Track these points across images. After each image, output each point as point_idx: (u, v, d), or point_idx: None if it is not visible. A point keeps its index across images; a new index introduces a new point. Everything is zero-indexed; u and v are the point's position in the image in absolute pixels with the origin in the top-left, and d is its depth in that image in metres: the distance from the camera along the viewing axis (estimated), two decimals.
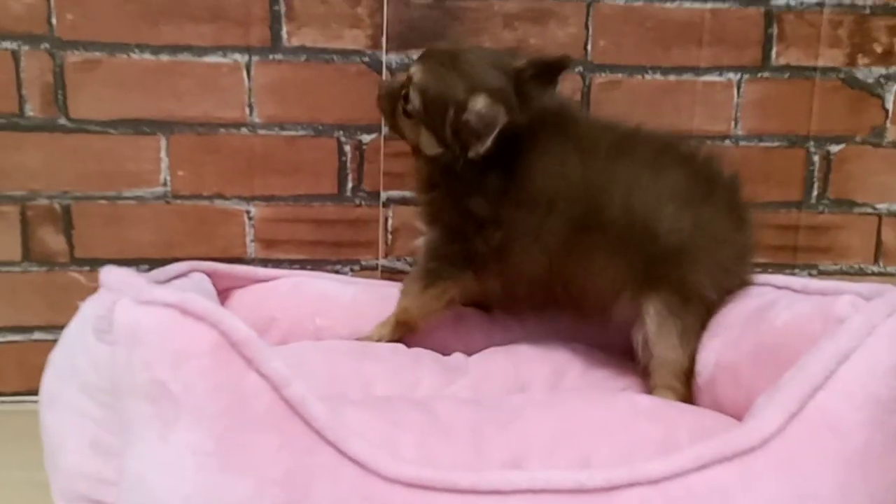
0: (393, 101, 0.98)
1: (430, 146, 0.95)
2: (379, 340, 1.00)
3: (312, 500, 0.56)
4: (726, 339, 0.85)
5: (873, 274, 1.25)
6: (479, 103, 0.88)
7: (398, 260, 1.20)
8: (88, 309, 0.65)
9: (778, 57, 1.18)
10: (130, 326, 0.58)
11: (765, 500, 0.58)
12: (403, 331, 1.00)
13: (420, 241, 1.00)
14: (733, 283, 0.91)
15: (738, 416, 0.74)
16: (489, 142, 0.87)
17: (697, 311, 0.89)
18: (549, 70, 0.95)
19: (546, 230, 0.91)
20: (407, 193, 1.18)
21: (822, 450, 0.59)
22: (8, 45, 1.07)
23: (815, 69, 1.19)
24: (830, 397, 0.61)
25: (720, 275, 0.90)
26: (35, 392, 0.69)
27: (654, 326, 0.88)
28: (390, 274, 1.20)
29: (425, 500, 0.57)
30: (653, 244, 0.88)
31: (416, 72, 0.94)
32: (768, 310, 0.82)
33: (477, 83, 0.90)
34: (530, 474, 0.58)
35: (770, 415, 0.61)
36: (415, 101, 0.94)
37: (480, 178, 0.92)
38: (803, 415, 0.60)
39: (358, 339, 1.00)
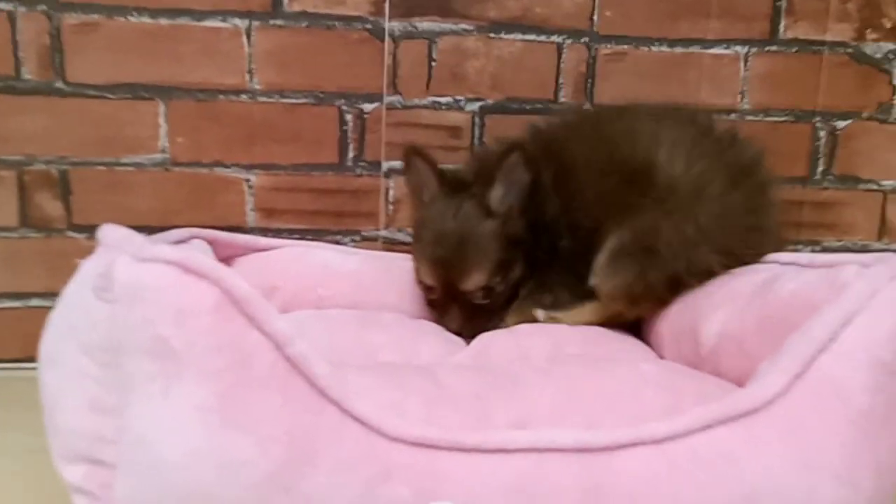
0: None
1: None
2: None
3: (315, 459, 0.55)
4: (731, 311, 0.84)
5: (877, 251, 1.24)
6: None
7: (399, 231, 1.19)
8: (88, 267, 0.63)
9: (786, 30, 1.17)
10: (131, 284, 0.57)
11: (768, 462, 0.57)
12: None
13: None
14: (727, 255, 0.91)
15: (742, 386, 0.73)
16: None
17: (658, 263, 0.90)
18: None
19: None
20: None
21: (826, 412, 0.59)
22: (4, 6, 1.06)
23: (823, 43, 1.18)
24: (834, 360, 0.60)
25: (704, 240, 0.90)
26: (33, 359, 0.68)
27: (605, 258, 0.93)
28: (391, 245, 1.19)
29: (429, 459, 0.57)
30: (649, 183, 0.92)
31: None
32: (774, 282, 0.81)
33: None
34: (535, 433, 0.57)
35: (774, 377, 0.60)
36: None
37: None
38: (807, 377, 0.60)
39: None
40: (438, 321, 0.99)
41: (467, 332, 0.96)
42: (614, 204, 0.94)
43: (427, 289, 0.99)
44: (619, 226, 0.93)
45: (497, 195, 0.96)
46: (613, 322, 0.96)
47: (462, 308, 0.97)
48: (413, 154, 0.99)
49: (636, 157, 0.94)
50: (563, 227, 0.98)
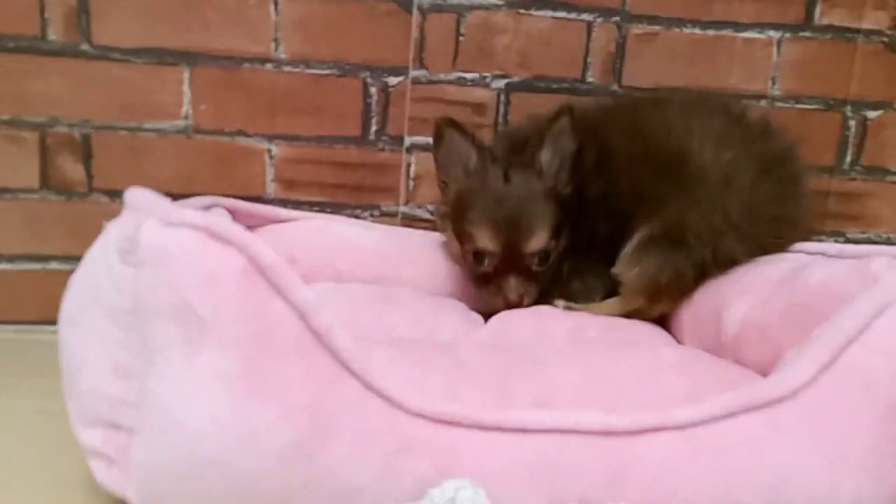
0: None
1: None
2: None
3: (336, 430, 0.55)
4: (755, 299, 0.83)
5: None
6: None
7: (419, 207, 1.18)
8: (113, 230, 0.63)
9: (821, 16, 1.15)
10: (157, 247, 0.57)
11: (793, 452, 0.56)
12: None
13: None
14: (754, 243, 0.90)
15: (764, 374, 0.73)
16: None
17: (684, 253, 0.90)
18: None
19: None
20: (431, 140, 1.15)
21: (853, 403, 0.58)
22: None
23: (858, 31, 1.16)
24: (863, 351, 0.60)
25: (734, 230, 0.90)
26: (52, 322, 0.68)
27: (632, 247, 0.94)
28: (410, 221, 1.18)
29: (450, 435, 0.56)
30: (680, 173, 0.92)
31: None
32: (801, 271, 0.80)
33: None
34: (559, 413, 0.57)
35: (801, 366, 0.59)
36: None
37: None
38: (835, 368, 0.59)
39: None
40: (488, 299, 0.96)
41: (527, 301, 0.95)
42: (647, 193, 0.93)
43: (482, 259, 0.95)
44: (649, 218, 0.93)
45: (546, 157, 0.95)
46: (635, 318, 0.96)
47: (520, 275, 0.95)
48: (447, 126, 0.96)
49: (669, 148, 0.94)
50: (602, 212, 0.97)
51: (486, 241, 0.94)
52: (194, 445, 0.55)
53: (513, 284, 0.94)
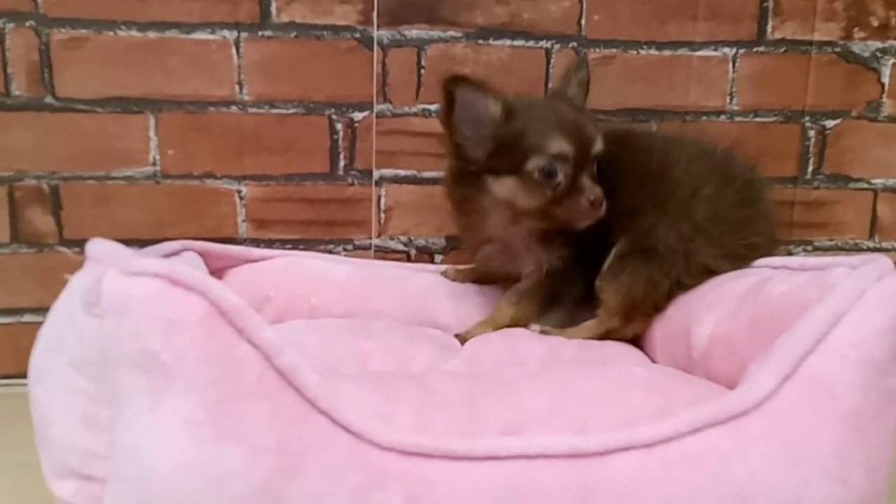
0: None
1: None
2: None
3: (305, 469, 0.55)
4: (722, 313, 0.84)
5: (868, 249, 1.25)
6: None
7: (391, 239, 1.19)
8: (76, 282, 0.63)
9: (773, 31, 1.17)
10: (119, 297, 0.57)
11: (759, 461, 0.57)
12: None
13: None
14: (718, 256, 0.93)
15: (733, 387, 0.73)
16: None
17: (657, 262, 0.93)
18: None
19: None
20: (400, 172, 1.17)
21: (816, 411, 0.59)
22: None
23: (810, 43, 1.18)
24: (823, 359, 0.61)
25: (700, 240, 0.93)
26: (26, 374, 0.68)
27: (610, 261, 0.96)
28: (383, 253, 1.19)
29: (420, 467, 0.57)
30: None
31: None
32: (765, 284, 0.81)
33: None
34: (525, 439, 0.57)
35: (763, 378, 0.60)
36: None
37: None
38: (796, 377, 0.60)
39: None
40: (571, 212, 0.93)
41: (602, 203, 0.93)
42: (627, 206, 0.95)
43: (554, 172, 0.92)
44: (626, 230, 0.96)
45: (573, 93, 1.00)
46: (610, 338, 0.97)
47: (591, 177, 0.94)
48: (456, 84, 0.91)
49: (651, 165, 0.98)
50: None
51: (561, 144, 0.91)
52: (164, 492, 0.55)
53: (591, 187, 0.92)
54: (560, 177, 0.92)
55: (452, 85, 0.91)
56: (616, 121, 1.17)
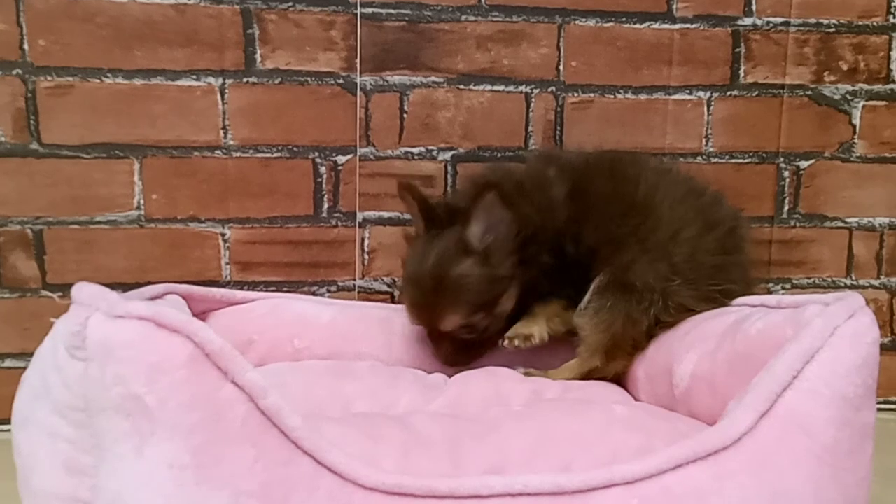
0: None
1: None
2: None
3: None
4: (702, 351, 0.86)
5: (845, 286, 1.27)
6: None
7: (375, 280, 1.20)
8: (61, 326, 0.63)
9: (746, 75, 1.21)
10: (104, 341, 0.57)
11: (738, 498, 0.58)
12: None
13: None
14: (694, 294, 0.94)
15: (714, 425, 0.74)
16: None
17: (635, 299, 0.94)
18: None
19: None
20: (383, 213, 1.18)
21: (792, 447, 0.60)
22: None
23: (782, 87, 1.22)
24: (798, 396, 0.62)
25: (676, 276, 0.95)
26: (7, 421, 0.68)
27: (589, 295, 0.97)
28: (367, 294, 1.20)
29: None
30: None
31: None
32: (743, 322, 0.83)
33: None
34: (508, 478, 0.58)
35: (741, 415, 0.61)
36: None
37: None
38: (772, 414, 0.61)
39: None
40: (434, 353, 1.01)
41: (460, 364, 0.98)
42: (609, 236, 0.98)
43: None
44: (607, 263, 0.97)
45: (476, 233, 0.95)
46: (592, 378, 0.98)
47: (450, 343, 0.99)
48: (403, 190, 1.00)
49: (636, 198, 1.00)
50: (570, 236, 0.99)
51: (410, 317, 1.00)
52: None
53: (442, 352, 1.00)
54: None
55: (402, 189, 1.01)
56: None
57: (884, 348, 1.20)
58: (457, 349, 0.99)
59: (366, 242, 1.19)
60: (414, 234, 1.03)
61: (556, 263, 0.99)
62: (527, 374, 0.99)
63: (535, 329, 0.98)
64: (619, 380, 1.00)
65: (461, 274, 0.95)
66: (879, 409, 0.65)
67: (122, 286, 1.09)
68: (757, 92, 1.21)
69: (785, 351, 0.63)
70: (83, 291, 0.63)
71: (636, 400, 0.95)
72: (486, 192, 0.93)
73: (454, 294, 0.96)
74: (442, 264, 0.96)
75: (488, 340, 1.00)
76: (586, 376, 0.98)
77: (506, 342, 0.97)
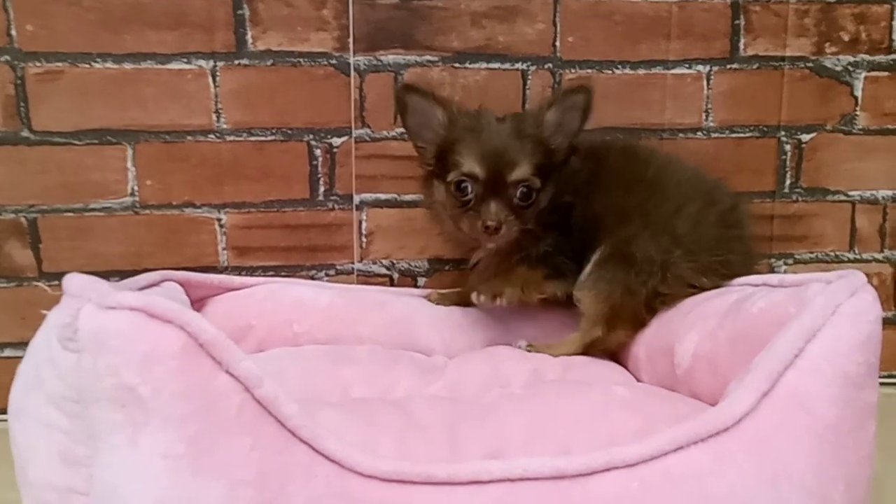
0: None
1: None
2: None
3: (287, 500, 0.55)
4: (703, 331, 0.85)
5: (848, 261, 1.26)
6: None
7: (374, 263, 1.19)
8: (53, 318, 0.63)
9: (746, 48, 1.19)
10: (96, 332, 0.57)
11: (739, 479, 0.57)
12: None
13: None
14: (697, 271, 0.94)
15: (716, 404, 0.73)
16: None
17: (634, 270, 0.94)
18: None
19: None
20: (380, 195, 1.17)
21: (794, 427, 0.59)
22: None
23: (783, 59, 1.20)
24: (800, 375, 0.61)
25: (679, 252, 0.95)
26: (5, 409, 0.67)
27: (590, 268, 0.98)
28: (366, 277, 1.19)
29: (402, 494, 0.56)
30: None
31: None
32: (745, 301, 0.82)
33: None
34: (507, 463, 0.57)
35: (742, 395, 0.61)
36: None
37: None
38: (774, 393, 0.61)
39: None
40: (467, 225, 0.95)
41: (504, 231, 0.94)
42: (617, 204, 0.98)
43: (465, 188, 0.95)
44: (610, 234, 0.97)
45: (552, 118, 0.97)
46: (595, 350, 0.98)
47: (501, 204, 0.94)
48: (405, 92, 0.99)
49: (647, 173, 1.01)
50: (582, 198, 1.00)
51: (472, 165, 0.94)
52: None
53: (493, 209, 0.94)
54: (470, 194, 0.95)
55: (403, 93, 0.99)
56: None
57: (887, 322, 1.19)
58: (503, 211, 0.94)
59: (363, 225, 1.18)
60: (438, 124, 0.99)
61: (563, 224, 0.99)
62: (529, 348, 0.99)
63: (507, 290, 0.97)
64: (621, 360, 0.99)
65: (534, 137, 0.96)
66: (882, 384, 0.65)
67: (119, 274, 1.09)
68: (757, 65, 1.19)
69: (787, 329, 0.62)
70: (74, 282, 0.62)
71: (637, 380, 0.94)
72: (581, 91, 0.97)
73: (526, 150, 0.95)
74: (525, 122, 0.97)
75: (523, 222, 0.96)
76: (589, 348, 0.98)
77: (480, 297, 0.96)
